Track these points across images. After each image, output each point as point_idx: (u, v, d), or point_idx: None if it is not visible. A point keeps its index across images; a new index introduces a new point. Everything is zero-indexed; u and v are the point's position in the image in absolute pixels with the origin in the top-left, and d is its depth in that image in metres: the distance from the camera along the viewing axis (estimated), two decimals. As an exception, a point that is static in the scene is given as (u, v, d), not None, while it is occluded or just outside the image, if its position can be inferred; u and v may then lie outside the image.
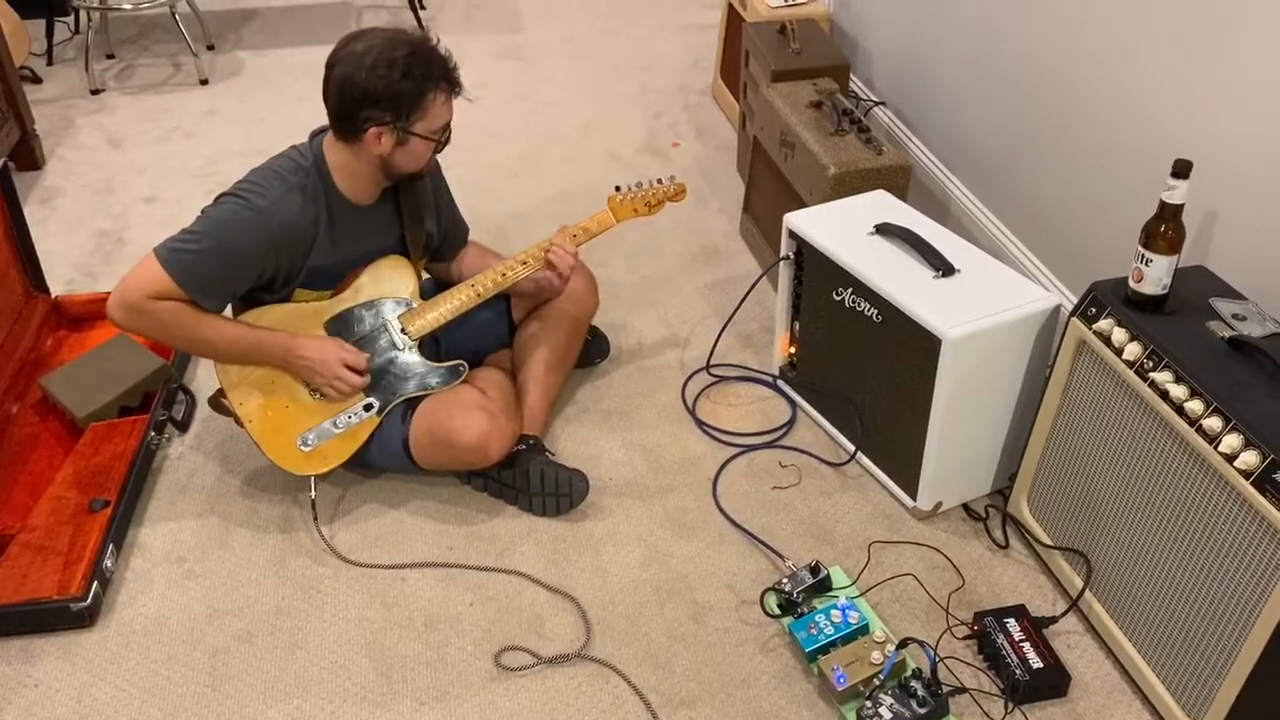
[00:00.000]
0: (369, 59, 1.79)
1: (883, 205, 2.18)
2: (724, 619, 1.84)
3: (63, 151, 3.42)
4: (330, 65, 1.83)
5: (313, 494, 2.02)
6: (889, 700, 1.60)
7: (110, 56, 4.07)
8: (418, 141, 1.87)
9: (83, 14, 3.96)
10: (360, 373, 1.96)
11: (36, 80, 3.85)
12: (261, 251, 1.86)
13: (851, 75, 2.99)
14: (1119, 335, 1.61)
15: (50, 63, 4.01)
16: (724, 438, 2.22)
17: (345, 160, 1.90)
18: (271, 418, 1.96)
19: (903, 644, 1.69)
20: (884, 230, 2.05)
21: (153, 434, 2.16)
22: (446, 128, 1.92)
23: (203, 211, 1.86)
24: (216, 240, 1.82)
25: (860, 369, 2.06)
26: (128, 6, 3.95)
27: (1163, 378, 1.53)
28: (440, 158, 2.11)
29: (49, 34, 4.07)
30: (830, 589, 1.83)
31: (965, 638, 1.78)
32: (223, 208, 1.85)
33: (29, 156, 3.27)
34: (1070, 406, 1.77)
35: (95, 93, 3.78)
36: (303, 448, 1.96)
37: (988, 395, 1.91)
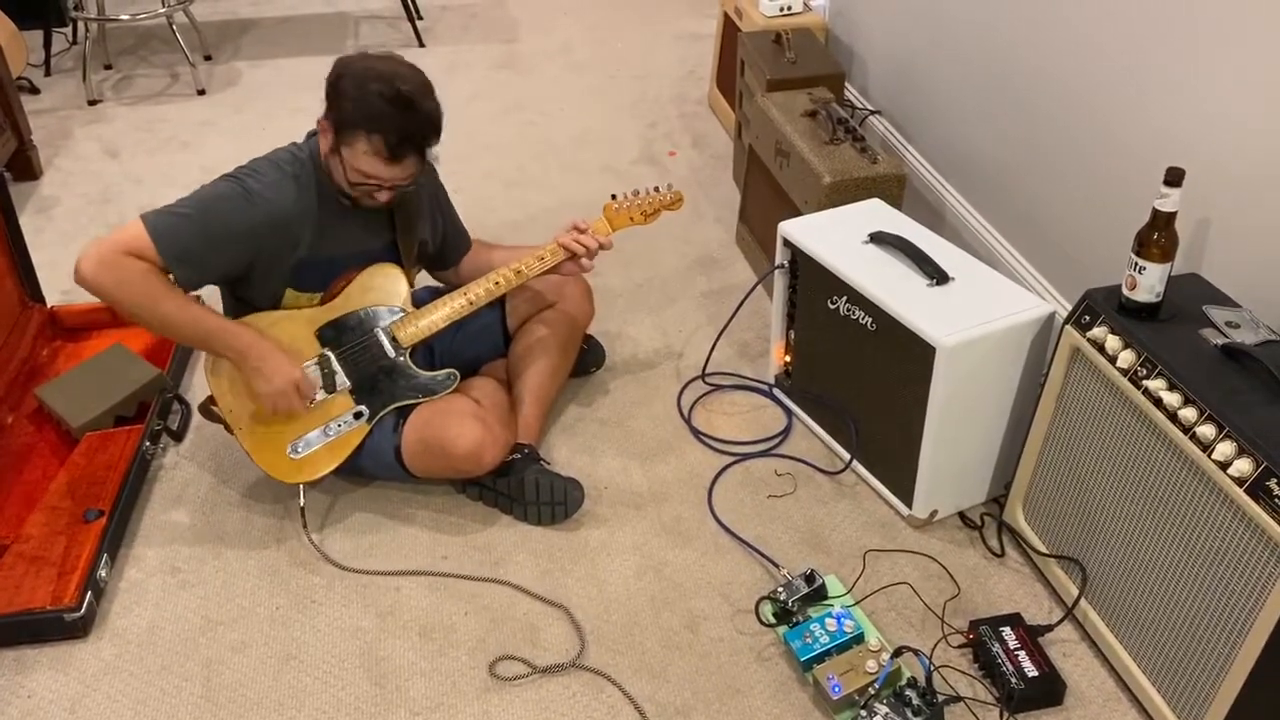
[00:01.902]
0: (372, 66, 1.83)
1: (877, 214, 2.19)
2: (719, 628, 1.83)
3: (60, 162, 3.42)
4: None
5: (301, 502, 2.01)
6: (884, 709, 1.59)
7: (108, 67, 4.08)
8: (346, 165, 1.85)
9: (80, 25, 3.97)
10: (305, 400, 1.93)
11: (34, 91, 3.86)
12: (246, 232, 1.86)
13: (846, 84, 2.99)
14: (1113, 343, 1.62)
15: (48, 73, 4.02)
16: (719, 446, 2.22)
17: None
18: (261, 425, 1.96)
19: (898, 652, 1.69)
20: (879, 239, 2.05)
21: (147, 444, 2.15)
22: (373, 180, 1.85)
23: (199, 188, 1.88)
24: (203, 210, 1.84)
25: (855, 377, 2.06)
26: (125, 17, 3.96)
27: (1156, 385, 1.53)
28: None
29: (47, 44, 4.08)
30: (825, 598, 1.83)
31: (960, 646, 1.78)
32: (216, 185, 1.88)
33: (26, 167, 3.28)
34: (1065, 414, 1.77)
35: (93, 103, 3.79)
36: (292, 455, 1.96)
37: (982, 403, 1.91)
